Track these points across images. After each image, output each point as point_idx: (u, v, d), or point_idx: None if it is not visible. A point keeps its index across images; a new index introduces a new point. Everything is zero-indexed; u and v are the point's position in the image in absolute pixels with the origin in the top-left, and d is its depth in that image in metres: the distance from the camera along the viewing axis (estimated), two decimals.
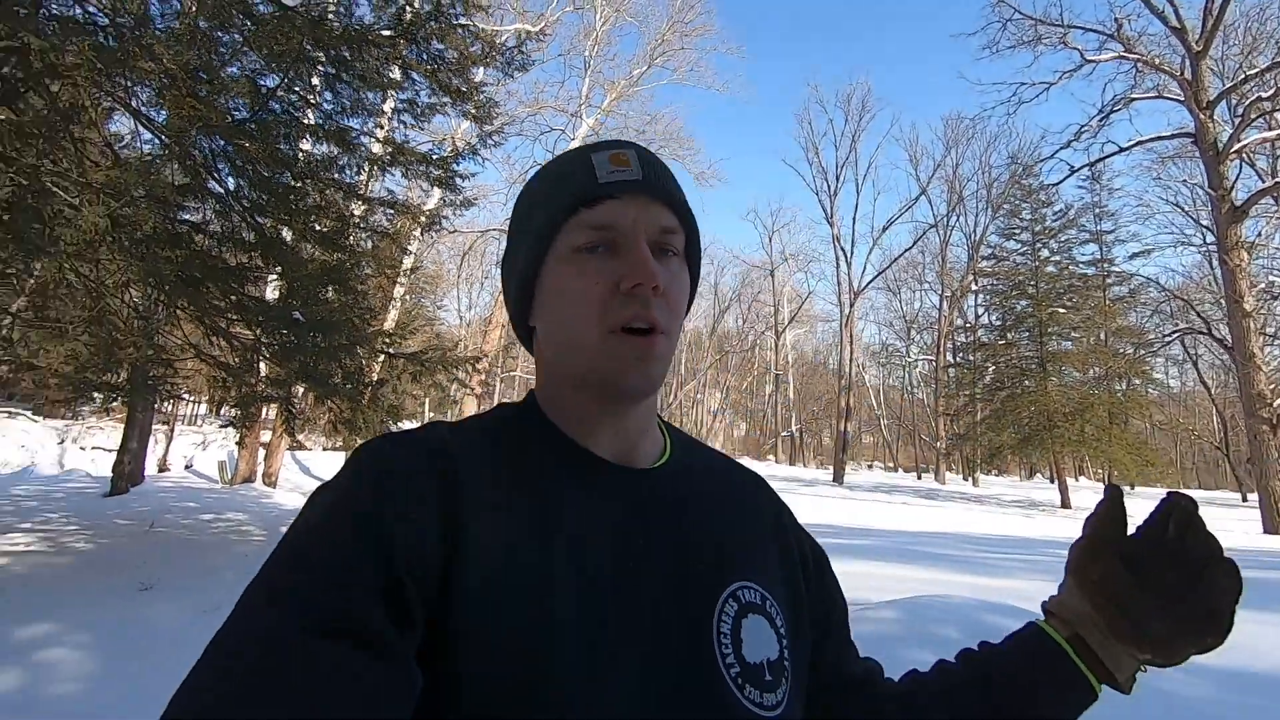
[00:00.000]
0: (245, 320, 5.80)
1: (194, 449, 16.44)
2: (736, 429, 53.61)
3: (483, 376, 11.33)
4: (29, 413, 16.93)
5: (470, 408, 19.06)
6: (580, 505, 0.54)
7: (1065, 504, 19.86)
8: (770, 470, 28.56)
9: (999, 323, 25.04)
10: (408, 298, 23.88)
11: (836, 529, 11.92)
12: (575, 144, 22.79)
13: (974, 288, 29.89)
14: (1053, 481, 27.25)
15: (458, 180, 6.44)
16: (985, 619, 3.88)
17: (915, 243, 34.20)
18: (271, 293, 6.71)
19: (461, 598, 0.45)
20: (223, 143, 5.05)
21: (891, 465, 45.37)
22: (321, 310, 5.68)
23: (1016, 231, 24.28)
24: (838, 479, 25.35)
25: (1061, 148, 16.18)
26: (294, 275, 6.28)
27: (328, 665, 0.38)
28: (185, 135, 5.25)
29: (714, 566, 0.56)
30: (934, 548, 9.18)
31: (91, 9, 4.68)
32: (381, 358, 8.84)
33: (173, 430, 16.15)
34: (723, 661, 0.52)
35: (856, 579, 6.48)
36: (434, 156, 6.24)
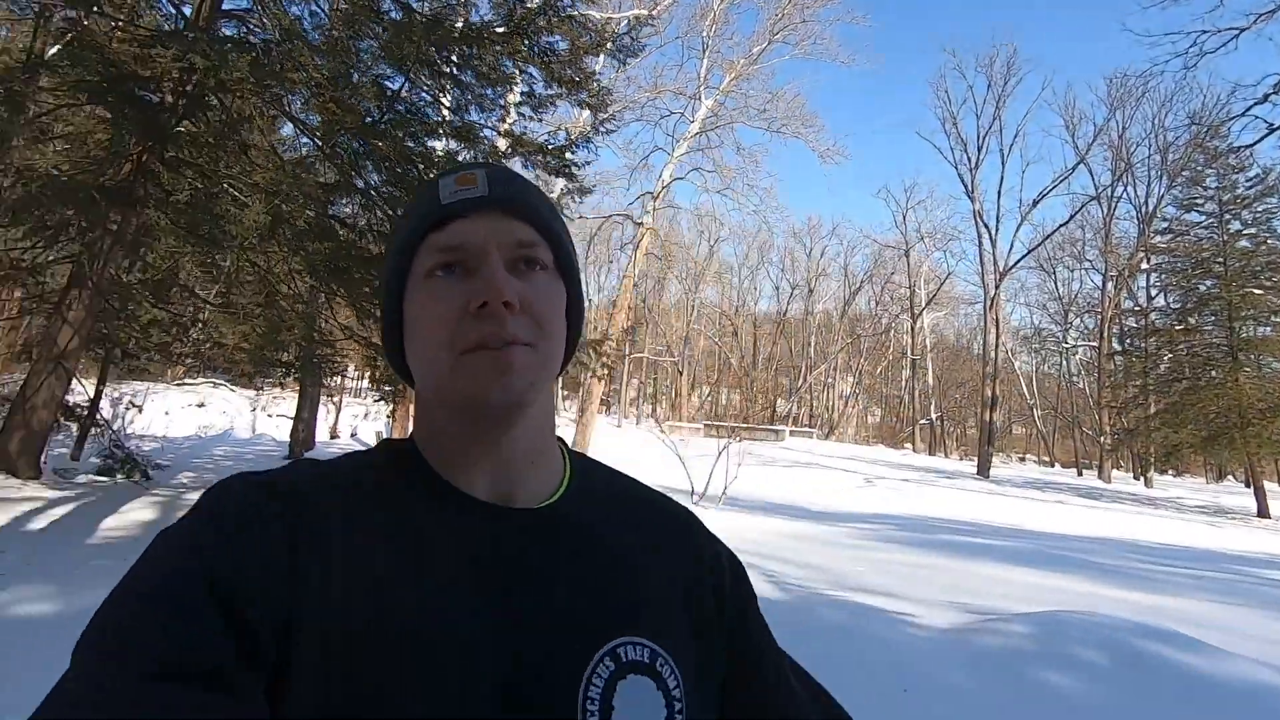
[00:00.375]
0: (378, 305, 6.26)
1: (357, 419, 18.26)
2: (870, 415, 51.41)
3: (606, 359, 11.61)
4: (228, 383, 19.63)
5: (596, 390, 19.62)
6: (440, 553, 0.50)
7: (1263, 512, 17.28)
8: (906, 460, 27.16)
9: (1177, 305, 22.19)
10: None
11: (976, 526, 11.12)
12: (694, 127, 22.71)
13: (1145, 266, 26.58)
14: (1247, 486, 23.75)
15: (573, 169, 6.56)
16: (1138, 644, 3.45)
17: (1072, 217, 30.80)
18: None
19: (300, 646, 0.44)
20: (362, 143, 5.45)
21: (1046, 460, 41.61)
22: None
23: (1199, 202, 21.19)
24: (982, 472, 23.64)
25: (1257, 103, 13.67)
26: None
27: (168, 707, 0.38)
28: (332, 137, 5.73)
29: (593, 621, 0.52)
30: (1088, 555, 8.30)
31: (251, 26, 5.18)
32: None
33: (340, 402, 18.04)
34: None
35: (986, 583, 6.01)
36: (549, 146, 6.39)
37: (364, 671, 0.44)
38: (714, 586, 0.60)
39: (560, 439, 0.64)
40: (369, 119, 5.23)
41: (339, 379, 17.71)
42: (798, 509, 12.05)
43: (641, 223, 22.01)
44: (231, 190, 5.71)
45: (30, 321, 11.45)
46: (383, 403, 10.49)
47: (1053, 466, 37.85)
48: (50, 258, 8.01)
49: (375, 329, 8.07)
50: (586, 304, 0.66)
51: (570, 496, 0.58)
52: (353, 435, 17.37)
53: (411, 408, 15.07)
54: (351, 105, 4.91)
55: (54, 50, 5.70)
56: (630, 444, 21.26)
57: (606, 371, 14.20)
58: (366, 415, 18.06)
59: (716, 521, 9.58)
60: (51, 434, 7.40)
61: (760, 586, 5.98)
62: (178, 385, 18.78)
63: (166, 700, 0.38)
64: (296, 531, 0.48)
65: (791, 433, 33.09)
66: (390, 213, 6.67)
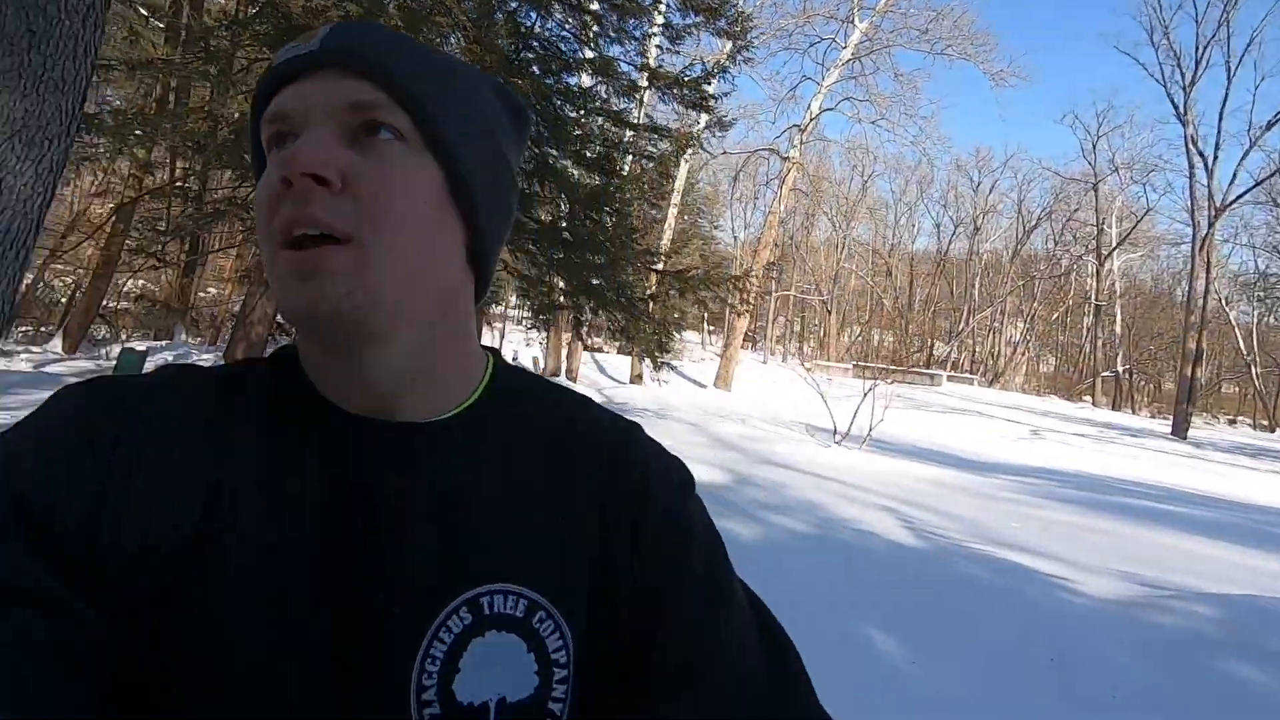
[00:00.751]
0: (526, 240, 6.49)
1: (519, 345, 19.59)
2: (1043, 363, 46.75)
3: (747, 295, 11.38)
4: None
5: (740, 326, 19.39)
6: (292, 478, 0.43)
7: None
8: (1084, 414, 24.57)
9: None
10: (684, 218, 24.74)
11: (1162, 491, 9.88)
12: (846, 53, 20.90)
13: None
14: None
15: (710, 102, 6.29)
16: None
17: None
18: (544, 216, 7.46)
19: (115, 570, 0.39)
20: (501, 80, 5.54)
21: (1265, 424, 35.82)
22: (585, 230, 6.10)
23: None
24: (1178, 432, 20.86)
25: None
26: (569, 198, 6.84)
27: None
28: None
29: (455, 562, 0.43)
30: None
31: None
32: (653, 274, 9.38)
33: (504, 328, 19.41)
34: (417, 697, 0.40)
35: (1167, 554, 5.35)
36: (685, 79, 6.15)
37: (196, 611, 0.39)
38: (632, 523, 0.47)
39: (489, 349, 0.54)
40: (511, 59, 5.30)
41: (499, 307, 19.01)
42: (948, 456, 11.34)
43: (788, 157, 20.97)
44: None
45: (252, 251, 13.08)
46: (535, 330, 11.05)
47: (1273, 431, 32.53)
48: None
49: (523, 260, 8.46)
50: (733, 240, 0.53)
51: (467, 415, 0.48)
52: (514, 359, 18.73)
53: (564, 335, 16.08)
54: (493, 45, 5.00)
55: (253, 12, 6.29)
56: (774, 380, 20.94)
57: (749, 308, 13.92)
58: (527, 343, 19.23)
59: (857, 464, 9.25)
60: (266, 345, 8.58)
61: (894, 533, 5.75)
62: None
63: None
64: (116, 448, 0.41)
65: (950, 378, 30.98)
66: (536, 150, 6.83)
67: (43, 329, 11.17)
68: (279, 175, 0.40)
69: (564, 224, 6.59)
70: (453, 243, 0.46)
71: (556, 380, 0.54)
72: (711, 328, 37.40)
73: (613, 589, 0.46)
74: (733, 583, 0.50)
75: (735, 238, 40.23)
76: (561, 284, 8.26)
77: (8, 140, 2.23)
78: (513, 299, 17.09)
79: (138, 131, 6.36)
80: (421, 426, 0.46)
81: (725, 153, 25.44)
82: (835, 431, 11.24)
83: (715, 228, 36.29)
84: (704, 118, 8.66)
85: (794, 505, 6.59)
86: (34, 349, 10.34)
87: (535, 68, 5.49)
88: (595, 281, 7.70)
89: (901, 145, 46.04)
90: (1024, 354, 43.08)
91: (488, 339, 17.76)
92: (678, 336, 13.60)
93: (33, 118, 2.29)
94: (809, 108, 21.17)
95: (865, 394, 11.70)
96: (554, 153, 6.89)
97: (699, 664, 0.44)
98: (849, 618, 3.80)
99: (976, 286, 41.17)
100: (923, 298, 44.78)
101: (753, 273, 12.78)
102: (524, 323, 12.07)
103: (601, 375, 18.21)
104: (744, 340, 24.83)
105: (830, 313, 42.41)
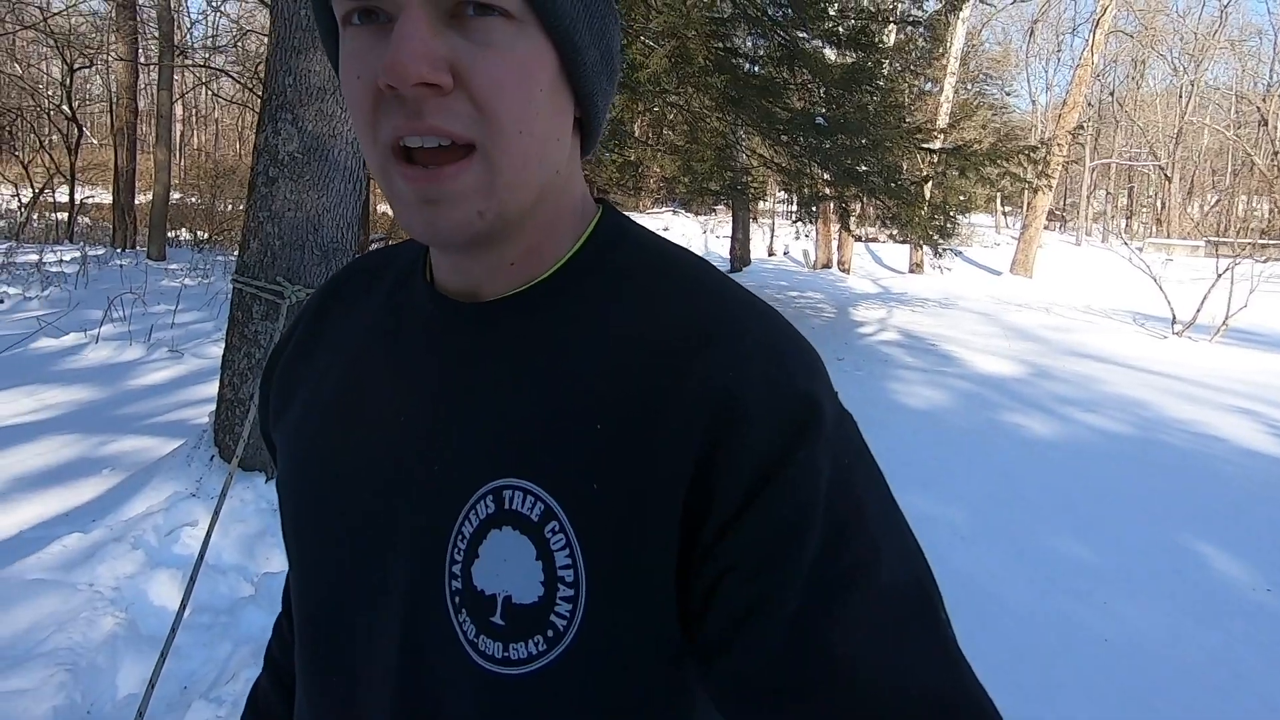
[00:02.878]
0: (778, 129, 6.24)
1: (789, 239, 19.52)
2: None
3: (1046, 168, 9.71)
4: (683, 210, 23.52)
5: (1040, 204, 16.55)
6: (371, 352, 0.48)
7: None
8: None
9: None
10: (966, 87, 21.38)
11: None
12: None
13: None
14: None
15: None
16: None
17: None
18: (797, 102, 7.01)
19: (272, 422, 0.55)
20: None
21: None
22: (842, 114, 5.65)
23: None
24: None
25: None
26: (822, 81, 6.38)
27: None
28: None
29: (487, 449, 0.41)
30: None
31: None
32: (927, 154, 8.49)
33: (774, 223, 19.43)
34: (448, 569, 0.41)
35: None
36: None
37: (276, 450, 0.53)
38: (701, 460, 0.37)
39: (601, 201, 0.48)
40: None
41: (765, 202, 18.91)
42: None
43: None
44: (643, 40, 6.16)
45: None
46: (799, 223, 10.81)
47: None
48: None
49: (783, 153, 8.17)
50: (1030, 106, 0.43)
51: (539, 290, 0.43)
52: (785, 253, 18.59)
53: (833, 226, 15.56)
54: None
55: None
56: (1091, 265, 17.71)
57: (1049, 182, 11.85)
58: (797, 235, 19.00)
59: (1203, 359, 7.57)
60: None
61: (1247, 438, 4.66)
62: (645, 214, 22.57)
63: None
64: (309, 321, 0.54)
65: None
66: (785, 37, 6.41)
67: (385, 240, 14.12)
68: (382, 83, 0.35)
69: (820, 109, 6.17)
70: (565, 119, 0.42)
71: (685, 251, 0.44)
72: (1008, 208, 32.47)
73: (655, 545, 0.37)
74: (872, 564, 0.36)
75: (1033, 103, 33.98)
76: (824, 174, 7.83)
77: (333, 94, 2.73)
78: (779, 193, 16.70)
79: None
80: (494, 305, 0.44)
81: (1015, 1, 21.21)
82: (1174, 320, 9.25)
83: (1008, 94, 30.82)
84: None
85: (1107, 402, 5.65)
86: None
87: None
88: (861, 168, 7.16)
89: None
90: None
91: (755, 235, 17.69)
92: (963, 220, 12.11)
93: None
94: None
95: (1220, 274, 9.34)
96: (803, 35, 6.41)
97: (791, 689, 0.35)
98: (1178, 536, 3.26)
99: None
100: None
101: (1052, 140, 10.74)
102: (790, 215, 11.81)
103: (878, 266, 17.17)
104: (1049, 220, 21.18)
105: (1169, 180, 34.00)
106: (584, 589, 0.38)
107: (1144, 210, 38.00)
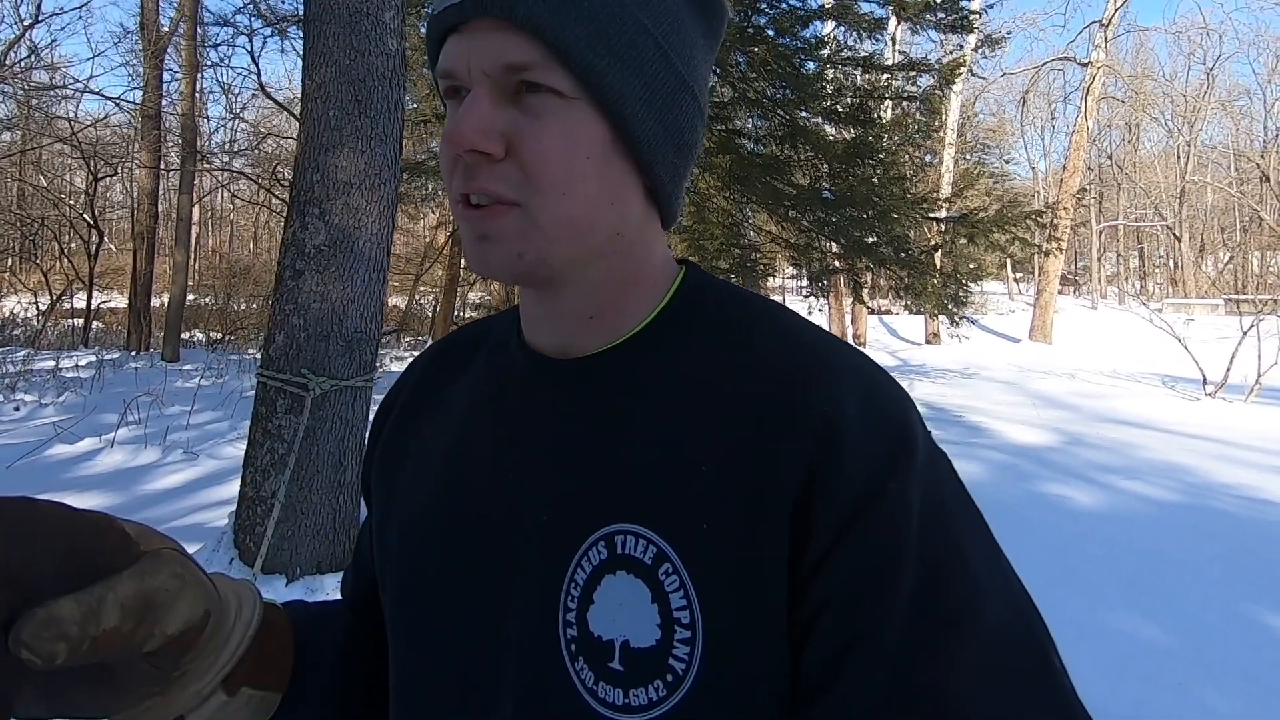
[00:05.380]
0: (784, 205, 6.37)
1: (800, 313, 19.95)
2: None
3: (1053, 231, 9.79)
4: None
5: (1052, 268, 16.63)
6: (479, 412, 0.50)
7: None
8: None
9: None
10: (965, 157, 21.95)
11: None
12: None
13: None
14: None
15: (971, 19, 5.45)
16: None
17: None
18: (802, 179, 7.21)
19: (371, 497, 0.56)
20: (742, 53, 5.47)
21: None
22: (847, 187, 5.76)
23: None
24: None
25: None
26: (825, 156, 6.57)
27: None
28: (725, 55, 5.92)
29: (596, 496, 0.42)
30: None
31: None
32: (933, 223, 8.60)
33: (783, 299, 19.75)
34: (563, 618, 0.41)
35: None
36: (936, 1, 5.39)
37: (380, 541, 0.53)
38: (798, 502, 0.37)
39: (684, 262, 0.51)
40: (744, 27, 5.19)
41: (775, 278, 19.23)
42: None
43: (1089, 61, 17.31)
44: None
45: None
46: (811, 297, 10.91)
47: None
48: None
49: (791, 228, 8.32)
50: (1029, 172, 0.48)
51: (631, 344, 0.46)
52: None
53: (846, 301, 15.58)
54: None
55: None
56: (1108, 328, 17.55)
57: (1059, 245, 11.91)
58: (810, 311, 19.21)
59: (1240, 420, 7.32)
60: None
61: None
62: None
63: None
64: (400, 400, 0.57)
65: None
66: (785, 116, 6.65)
67: (419, 337, 14.37)
68: (451, 152, 0.41)
69: (824, 184, 6.32)
70: (624, 186, 0.44)
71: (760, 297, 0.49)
72: (1018, 275, 32.66)
73: (767, 581, 0.38)
74: (976, 604, 0.36)
75: (1033, 169, 34.76)
76: (833, 246, 7.93)
77: (358, 188, 2.81)
78: (788, 269, 16.97)
79: None
80: (589, 360, 0.46)
81: (1005, 74, 22.10)
82: (1205, 381, 9.03)
83: (1007, 161, 31.61)
84: (970, 39, 7.59)
85: (1149, 469, 5.43)
86: (416, 352, 13.22)
87: (770, 30, 5.31)
88: (869, 240, 7.25)
89: (1262, 6, 34.98)
90: None
91: None
92: (975, 287, 12.17)
93: (371, 167, 2.86)
94: None
95: (1245, 332, 9.19)
96: (803, 114, 6.64)
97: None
98: (1243, 606, 3.09)
99: None
100: None
101: (1057, 204, 10.87)
102: (802, 290, 11.89)
103: (892, 338, 17.16)
104: (1062, 285, 21.21)
105: (1179, 239, 34.22)
106: (701, 629, 0.38)
107: (1157, 270, 38.05)
